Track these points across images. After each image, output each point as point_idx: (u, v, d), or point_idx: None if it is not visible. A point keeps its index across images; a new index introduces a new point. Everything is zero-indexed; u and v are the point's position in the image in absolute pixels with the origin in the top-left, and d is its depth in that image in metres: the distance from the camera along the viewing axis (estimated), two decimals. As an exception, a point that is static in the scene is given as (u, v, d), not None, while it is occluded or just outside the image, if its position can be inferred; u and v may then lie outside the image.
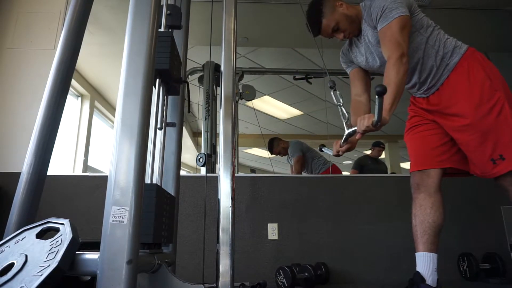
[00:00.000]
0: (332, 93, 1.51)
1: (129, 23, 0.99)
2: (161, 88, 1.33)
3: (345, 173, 4.22)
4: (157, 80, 1.31)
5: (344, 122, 1.44)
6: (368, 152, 4.92)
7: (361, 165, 3.88)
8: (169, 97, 1.48)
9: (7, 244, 0.95)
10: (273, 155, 3.58)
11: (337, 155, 1.53)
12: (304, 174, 3.26)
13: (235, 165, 1.26)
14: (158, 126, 1.29)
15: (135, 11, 1.00)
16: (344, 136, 1.44)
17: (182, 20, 1.59)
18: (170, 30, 1.44)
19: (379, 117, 1.22)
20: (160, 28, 1.36)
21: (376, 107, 1.19)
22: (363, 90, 1.63)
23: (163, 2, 1.38)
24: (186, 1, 1.66)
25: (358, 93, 1.64)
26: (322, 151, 1.64)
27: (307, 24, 1.59)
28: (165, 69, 1.26)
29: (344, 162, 4.82)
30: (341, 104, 1.49)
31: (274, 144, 3.54)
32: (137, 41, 0.98)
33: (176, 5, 1.51)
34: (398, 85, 1.32)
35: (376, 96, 1.15)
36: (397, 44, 1.35)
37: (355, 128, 1.36)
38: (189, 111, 1.52)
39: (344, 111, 1.46)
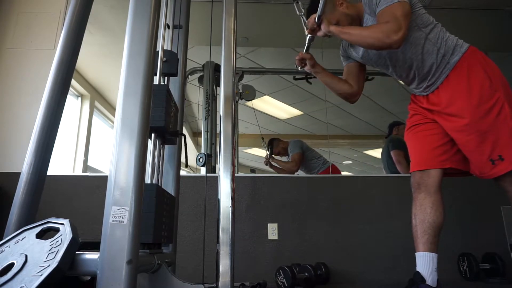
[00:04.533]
0: (294, 4, 1.60)
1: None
2: (157, 141, 1.28)
3: (344, 173, 4.22)
4: (153, 135, 1.26)
5: (305, 29, 1.56)
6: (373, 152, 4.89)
7: (404, 145, 3.61)
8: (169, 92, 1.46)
9: (7, 244, 0.95)
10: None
11: (300, 65, 1.66)
12: (304, 174, 3.26)
13: (235, 165, 1.26)
14: (154, 181, 1.24)
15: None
16: (306, 44, 1.59)
17: (183, 19, 1.59)
18: (166, 78, 1.40)
19: (320, 12, 1.40)
20: (156, 75, 1.30)
21: (320, 4, 1.36)
22: (354, 83, 1.66)
23: (159, 48, 1.33)
24: (186, 1, 1.66)
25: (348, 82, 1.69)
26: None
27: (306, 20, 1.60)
28: (160, 127, 1.22)
29: (344, 162, 4.82)
30: (303, 13, 1.60)
31: (274, 144, 3.53)
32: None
33: (173, 51, 1.46)
34: (363, 36, 1.40)
35: None
36: (397, 21, 1.33)
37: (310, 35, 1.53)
38: (186, 166, 1.52)
39: (306, 20, 1.56)
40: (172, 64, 1.38)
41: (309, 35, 1.55)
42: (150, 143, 1.24)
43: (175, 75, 1.42)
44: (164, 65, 1.36)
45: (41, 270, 0.81)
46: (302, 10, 1.60)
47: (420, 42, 1.46)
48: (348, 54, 1.68)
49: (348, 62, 1.69)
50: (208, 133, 2.82)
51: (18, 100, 2.56)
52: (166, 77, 1.41)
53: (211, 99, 2.93)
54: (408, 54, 1.47)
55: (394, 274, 2.36)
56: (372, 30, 1.39)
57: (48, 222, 0.97)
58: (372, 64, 1.64)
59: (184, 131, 1.67)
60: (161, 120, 1.22)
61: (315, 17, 1.45)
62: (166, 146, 1.43)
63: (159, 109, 1.22)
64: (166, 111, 1.24)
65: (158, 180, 1.31)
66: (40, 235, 0.95)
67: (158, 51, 1.33)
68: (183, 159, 1.48)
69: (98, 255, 0.85)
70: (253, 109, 3.79)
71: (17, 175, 1.16)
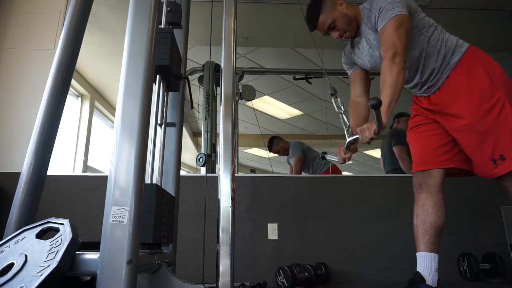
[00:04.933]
0: (333, 100, 1.53)
1: (130, 20, 1.00)
2: (161, 84, 1.33)
3: (344, 173, 4.22)
4: (158, 77, 1.31)
5: (345, 130, 1.47)
6: (370, 150, 4.88)
7: (406, 140, 3.51)
8: (169, 96, 1.48)
9: (7, 244, 0.94)
10: (272, 155, 3.58)
11: (344, 163, 1.54)
12: (304, 174, 3.26)
13: (235, 165, 1.26)
14: (159, 122, 1.29)
15: (136, 8, 1.01)
16: (346, 144, 1.47)
17: (182, 19, 1.59)
18: (170, 26, 1.45)
19: (379, 126, 1.26)
20: (161, 24, 1.37)
21: (375, 118, 1.22)
22: (363, 91, 1.65)
23: None
24: (186, 1, 1.66)
25: (358, 94, 1.66)
26: (325, 158, 1.66)
27: (305, 18, 1.60)
28: (165, 65, 1.26)
29: (344, 162, 4.81)
30: (342, 111, 1.51)
31: (274, 143, 3.54)
32: (137, 38, 0.98)
33: (177, 1, 1.51)
34: (393, 86, 1.33)
35: (372, 109, 1.18)
36: (391, 44, 1.36)
37: (357, 136, 1.39)
38: (192, 107, 1.54)
39: (345, 119, 1.48)
40: (176, 14, 1.44)
41: (352, 138, 1.42)
42: (155, 88, 1.27)
43: (178, 24, 1.46)
44: (168, 15, 1.41)
45: (41, 270, 0.81)
46: (342, 107, 1.51)
47: (423, 46, 1.47)
48: (353, 61, 1.67)
49: (354, 69, 1.68)
50: (208, 133, 2.83)
51: (18, 100, 2.56)
52: (170, 27, 1.45)
53: (211, 99, 2.93)
54: (413, 59, 1.48)
55: (394, 274, 2.36)
56: (389, 79, 1.34)
57: (48, 222, 0.97)
58: (378, 71, 1.63)
59: (184, 131, 1.67)
60: (165, 59, 1.25)
61: (374, 129, 1.28)
62: (166, 145, 1.43)
63: (164, 49, 1.26)
64: (170, 51, 1.27)
65: (158, 180, 1.31)
66: (40, 235, 0.95)
67: (163, 2, 1.40)
68: (183, 159, 1.48)
69: (98, 255, 0.84)
70: (253, 109, 3.79)
71: (17, 175, 1.16)
